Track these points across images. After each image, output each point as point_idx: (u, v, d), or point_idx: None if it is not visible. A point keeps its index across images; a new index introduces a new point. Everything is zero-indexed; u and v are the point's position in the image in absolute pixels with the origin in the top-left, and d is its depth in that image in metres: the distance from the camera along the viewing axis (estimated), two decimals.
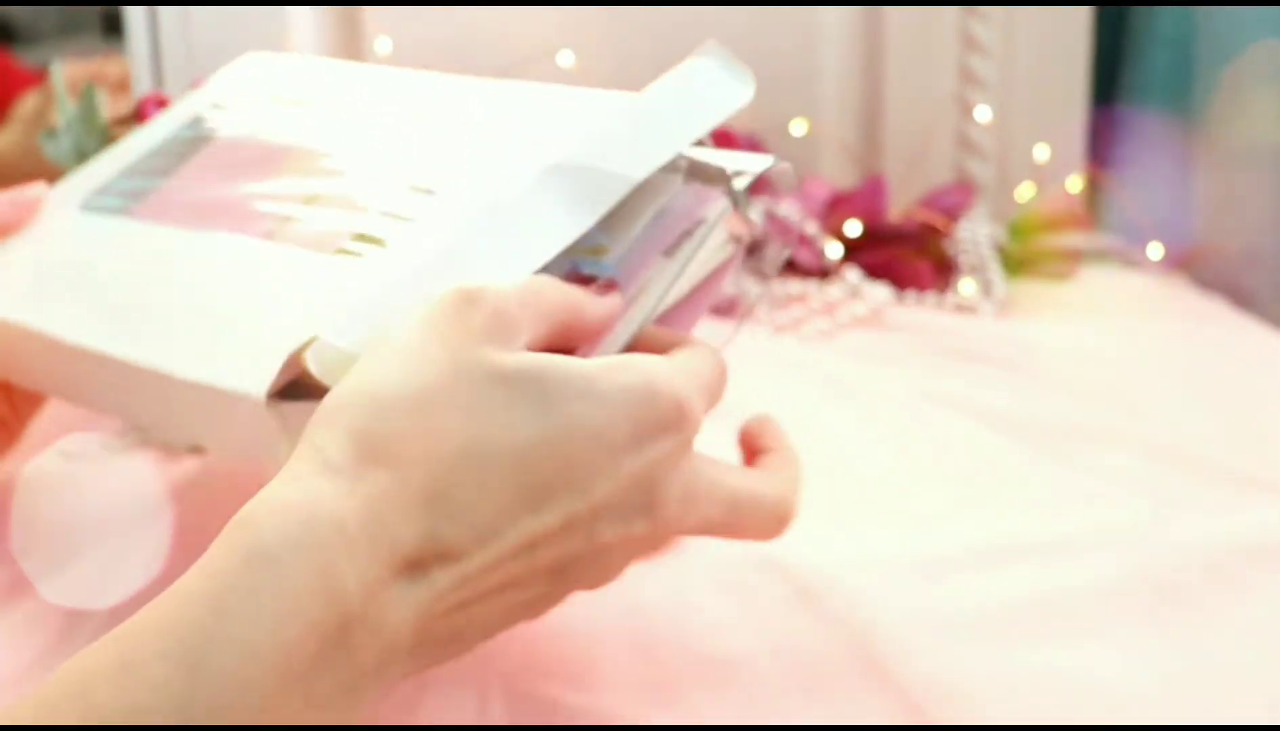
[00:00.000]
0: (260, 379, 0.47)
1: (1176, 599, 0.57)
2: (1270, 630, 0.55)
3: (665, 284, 0.50)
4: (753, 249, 0.62)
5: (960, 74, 1.05)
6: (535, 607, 0.44)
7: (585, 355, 0.48)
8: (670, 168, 0.52)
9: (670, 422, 0.44)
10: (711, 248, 0.55)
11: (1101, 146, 1.07)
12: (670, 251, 0.51)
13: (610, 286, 0.49)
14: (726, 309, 0.93)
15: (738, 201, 0.53)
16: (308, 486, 0.39)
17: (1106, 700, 0.51)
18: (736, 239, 0.56)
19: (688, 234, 0.51)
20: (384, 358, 0.42)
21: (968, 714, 0.50)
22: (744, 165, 0.53)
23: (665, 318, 0.54)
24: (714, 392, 0.48)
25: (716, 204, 0.52)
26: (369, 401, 0.41)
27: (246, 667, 0.35)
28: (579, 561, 0.43)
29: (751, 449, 0.53)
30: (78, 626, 0.58)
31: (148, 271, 0.57)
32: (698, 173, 0.53)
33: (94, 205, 0.63)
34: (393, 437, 0.40)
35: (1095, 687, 0.51)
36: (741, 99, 0.53)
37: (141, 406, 0.56)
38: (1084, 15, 1.04)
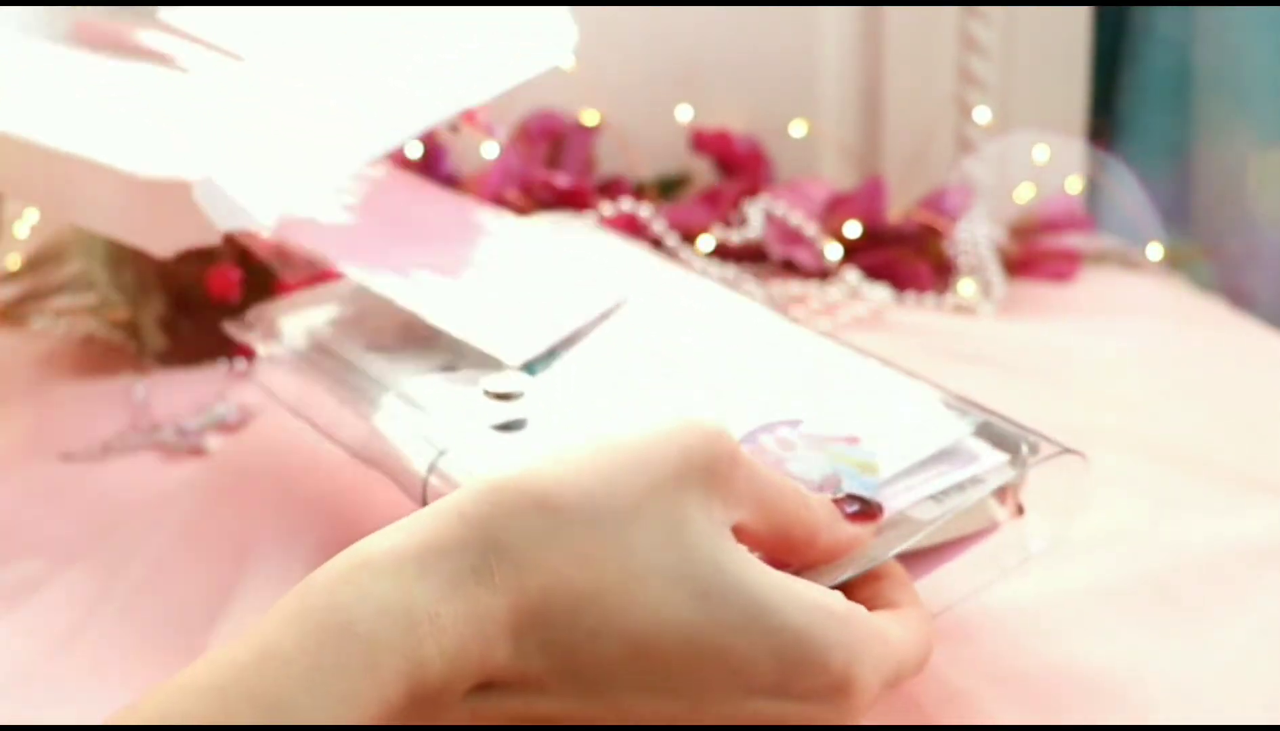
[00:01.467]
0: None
1: (1177, 599, 0.57)
2: (1271, 631, 0.55)
3: (922, 531, 0.48)
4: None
5: (960, 75, 1.05)
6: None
7: (802, 569, 0.44)
8: (960, 415, 0.53)
9: (827, 695, 0.39)
10: (974, 509, 0.52)
11: (1101, 147, 1.07)
12: (939, 497, 0.49)
13: (869, 516, 0.46)
14: None
15: (1018, 477, 0.52)
16: (423, 572, 0.37)
17: (1108, 700, 0.51)
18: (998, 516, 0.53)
19: (960, 487, 0.50)
20: (579, 456, 0.39)
21: (969, 714, 0.50)
22: (1036, 440, 0.52)
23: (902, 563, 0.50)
24: (901, 673, 0.42)
25: (1000, 471, 0.51)
26: (529, 495, 0.38)
27: None
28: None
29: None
30: (79, 627, 0.58)
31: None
32: (990, 432, 0.53)
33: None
34: (529, 552, 0.37)
35: (1096, 687, 0.51)
36: (557, 61, 0.65)
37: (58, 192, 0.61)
38: (1083, 16, 1.04)
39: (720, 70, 1.05)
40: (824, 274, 0.97)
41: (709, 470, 0.39)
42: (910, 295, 0.95)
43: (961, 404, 0.55)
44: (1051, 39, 1.04)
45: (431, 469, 0.51)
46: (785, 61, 1.06)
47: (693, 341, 0.59)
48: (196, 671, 0.36)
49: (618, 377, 0.56)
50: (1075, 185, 1.03)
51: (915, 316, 0.92)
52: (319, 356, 0.61)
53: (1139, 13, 1.11)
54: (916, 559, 0.50)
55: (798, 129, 1.04)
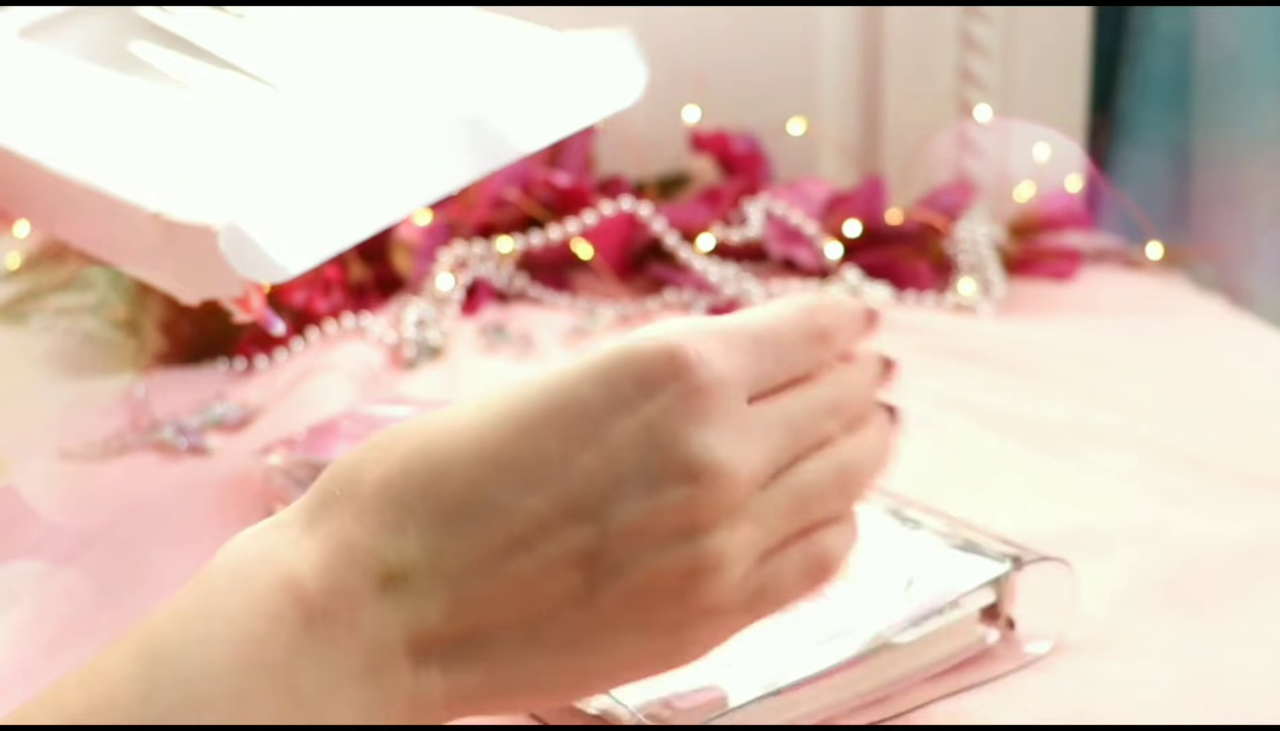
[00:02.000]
0: (156, 200, 0.50)
1: (1177, 598, 0.57)
2: (1272, 630, 0.55)
3: (901, 658, 0.50)
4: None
5: (960, 74, 1.05)
6: (624, 619, 0.38)
7: None
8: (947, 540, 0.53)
9: (659, 374, 0.38)
10: (961, 631, 0.52)
11: (1101, 146, 1.08)
12: (918, 622, 0.50)
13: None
14: (726, 310, 0.93)
15: (1000, 593, 0.52)
16: (272, 525, 0.39)
17: (1108, 700, 0.51)
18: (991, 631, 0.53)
19: (939, 610, 0.50)
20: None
21: (973, 714, 0.50)
22: (1020, 553, 0.52)
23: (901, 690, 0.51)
24: (761, 344, 0.40)
25: (980, 592, 0.51)
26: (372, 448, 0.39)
27: (208, 656, 0.35)
28: (608, 549, 0.38)
29: None
30: (79, 625, 0.58)
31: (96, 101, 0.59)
32: (972, 550, 0.53)
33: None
34: (357, 466, 0.39)
35: (1098, 687, 0.51)
36: (633, 96, 0.55)
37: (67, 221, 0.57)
38: (1083, 15, 1.04)
39: (720, 70, 1.05)
40: (824, 273, 0.97)
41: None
42: (910, 294, 0.95)
43: (949, 524, 0.55)
44: (1051, 38, 1.04)
45: None
46: (785, 61, 1.06)
47: None
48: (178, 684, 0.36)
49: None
50: (1075, 184, 1.03)
51: (915, 315, 0.92)
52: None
53: (1139, 11, 1.11)
54: (908, 688, 0.50)
55: (797, 127, 1.04)
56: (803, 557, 0.41)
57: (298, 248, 0.49)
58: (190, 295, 0.51)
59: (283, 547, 0.38)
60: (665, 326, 0.39)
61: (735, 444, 0.38)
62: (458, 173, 0.50)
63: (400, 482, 0.38)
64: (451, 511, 0.38)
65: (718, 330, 0.39)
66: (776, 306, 0.42)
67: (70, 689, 0.36)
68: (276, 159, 0.51)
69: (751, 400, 0.40)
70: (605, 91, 0.54)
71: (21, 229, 0.94)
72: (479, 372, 0.83)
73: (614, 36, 0.55)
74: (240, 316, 0.54)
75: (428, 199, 0.49)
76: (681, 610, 0.38)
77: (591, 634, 0.38)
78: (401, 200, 0.50)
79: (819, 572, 0.41)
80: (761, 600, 0.40)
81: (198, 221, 0.48)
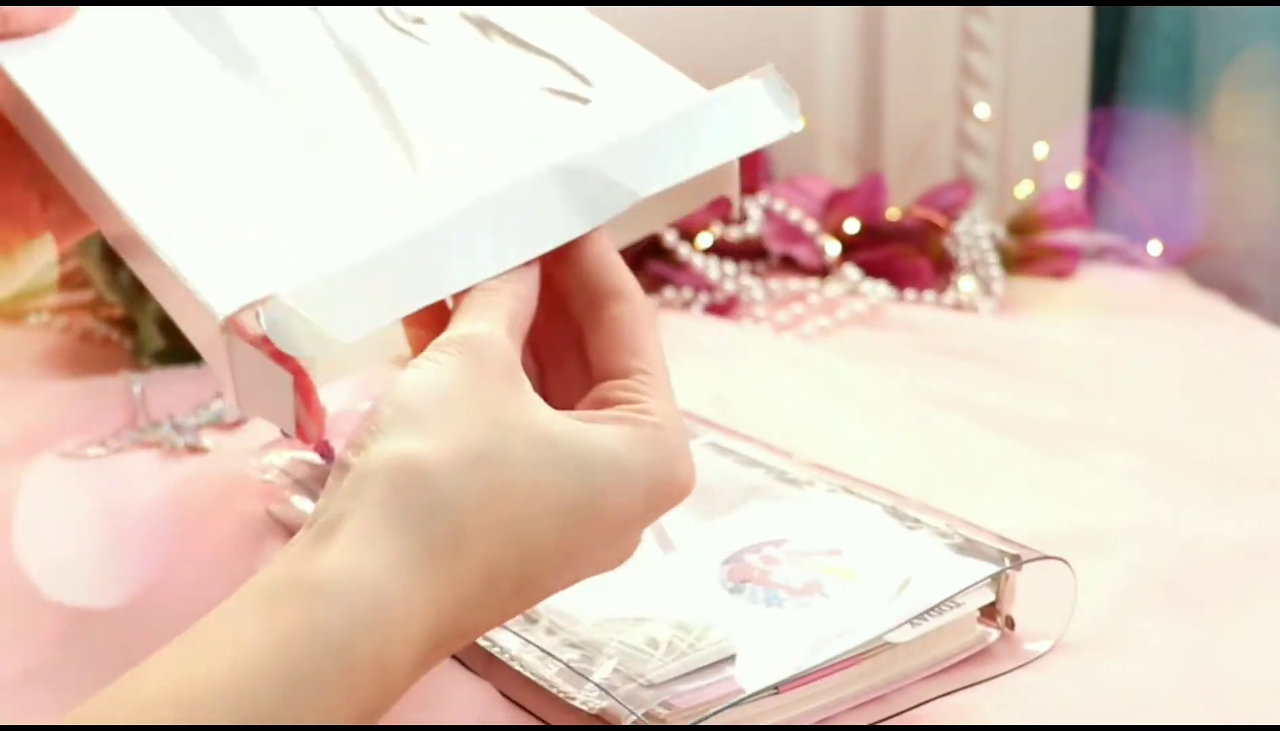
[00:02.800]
0: (227, 300, 0.44)
1: (1177, 598, 0.57)
2: (1272, 630, 0.55)
3: (899, 657, 0.50)
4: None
5: (960, 71, 1.05)
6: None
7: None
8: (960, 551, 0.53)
9: (678, 496, 0.44)
10: (960, 630, 0.52)
11: (1101, 144, 1.07)
12: (915, 621, 0.50)
13: None
14: (725, 308, 0.93)
15: (1000, 594, 0.52)
16: (378, 566, 0.39)
17: (1108, 699, 0.51)
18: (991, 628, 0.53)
19: (937, 609, 0.51)
20: (427, 424, 0.41)
21: (974, 714, 0.50)
22: (1017, 553, 0.52)
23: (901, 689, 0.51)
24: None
25: (978, 590, 0.52)
26: (425, 479, 0.40)
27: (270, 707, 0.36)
28: (551, 588, 0.45)
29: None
30: (78, 625, 0.57)
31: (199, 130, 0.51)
32: (972, 550, 0.53)
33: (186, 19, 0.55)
34: (458, 520, 0.40)
35: (1098, 686, 0.51)
36: (785, 129, 0.51)
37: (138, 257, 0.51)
38: (1084, 13, 1.04)
39: (720, 68, 1.05)
40: (824, 271, 0.96)
41: (503, 371, 0.43)
42: (910, 292, 0.95)
43: (955, 525, 0.55)
44: (1052, 36, 1.04)
45: None
46: (785, 59, 1.06)
47: None
48: (172, 683, 0.37)
49: None
50: (1075, 182, 1.03)
51: (915, 313, 0.92)
52: None
53: (1139, 10, 1.11)
54: (907, 686, 0.51)
55: (797, 125, 1.04)
56: None
57: (351, 318, 0.44)
58: (245, 409, 0.47)
59: (393, 606, 0.38)
60: (684, 444, 0.45)
61: None
62: (569, 227, 0.45)
63: (499, 555, 0.41)
64: (519, 593, 0.42)
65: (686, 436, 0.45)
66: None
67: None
68: (363, 243, 0.45)
69: None
70: (745, 127, 0.51)
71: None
72: None
73: (755, 80, 0.52)
74: (296, 444, 0.52)
75: (533, 253, 0.45)
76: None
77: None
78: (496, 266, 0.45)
79: None
80: None
81: (260, 340, 0.44)
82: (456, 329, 0.43)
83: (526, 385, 0.43)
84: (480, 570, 0.40)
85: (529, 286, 0.45)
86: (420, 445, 0.40)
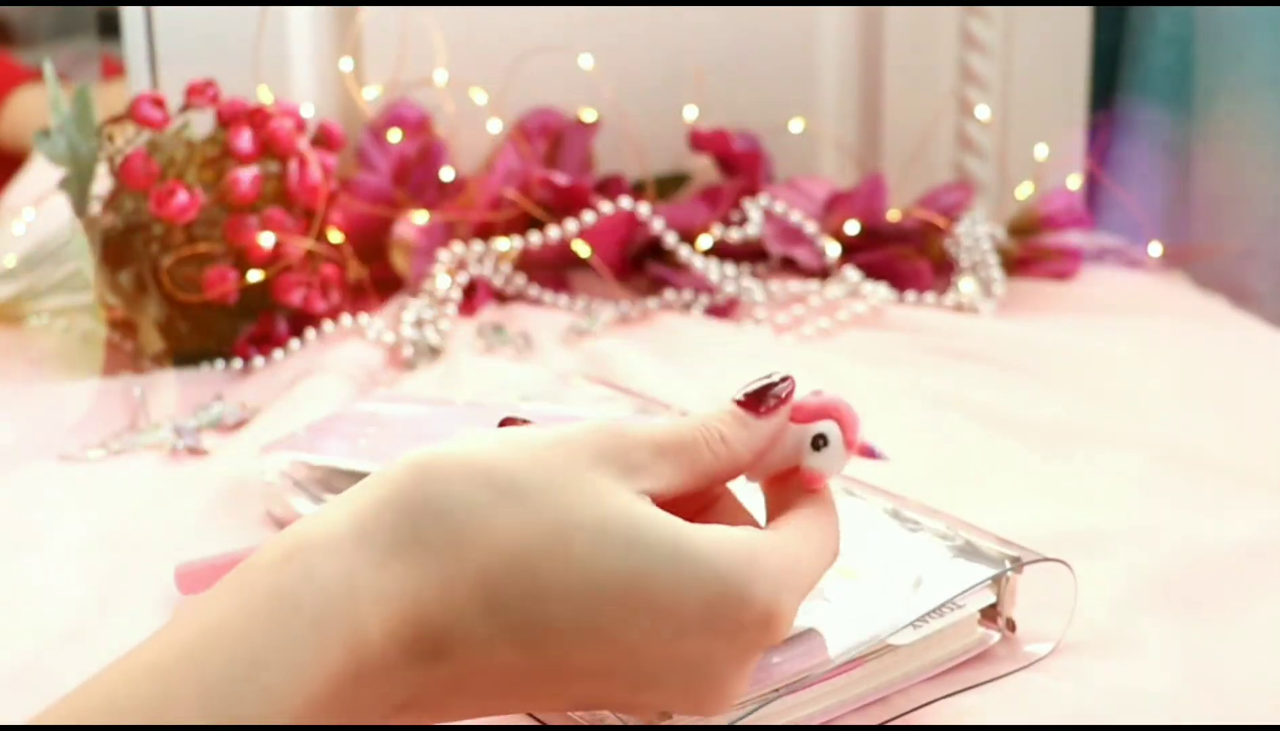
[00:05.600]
0: None
1: (1177, 599, 0.57)
2: (1272, 630, 0.55)
3: (901, 659, 0.50)
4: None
5: (960, 72, 1.05)
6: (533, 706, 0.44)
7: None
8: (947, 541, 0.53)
9: (752, 629, 0.41)
10: (961, 632, 0.52)
11: (1101, 145, 1.07)
12: (917, 624, 0.50)
13: (767, 395, 0.46)
14: (725, 310, 0.93)
15: (1000, 594, 0.52)
16: (355, 536, 0.39)
17: (1109, 700, 0.50)
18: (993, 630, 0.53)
19: (939, 611, 0.50)
20: (501, 437, 0.42)
21: (975, 715, 0.50)
22: (1018, 555, 0.52)
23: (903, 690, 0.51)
24: (813, 587, 0.45)
25: (979, 593, 0.51)
26: (441, 476, 0.40)
27: (272, 715, 0.37)
28: (610, 703, 0.43)
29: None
30: (78, 625, 0.57)
31: None
32: (972, 551, 0.52)
33: None
34: (457, 524, 0.40)
35: (1099, 687, 0.51)
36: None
37: None
38: (1084, 14, 1.04)
39: (720, 68, 1.05)
40: (824, 272, 0.96)
41: (614, 452, 0.42)
42: (910, 293, 0.95)
43: (954, 526, 0.55)
44: (1052, 37, 1.04)
45: None
46: (785, 59, 1.06)
47: None
48: (141, 653, 0.38)
49: None
50: (1075, 183, 1.03)
51: (915, 314, 0.92)
52: None
53: (1139, 10, 1.11)
54: (909, 688, 0.50)
55: (797, 127, 1.04)
56: None
57: None
58: None
59: (362, 584, 0.39)
60: (781, 565, 0.42)
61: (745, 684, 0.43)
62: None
63: (497, 579, 0.39)
64: (522, 632, 0.39)
65: (801, 586, 0.43)
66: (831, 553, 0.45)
67: (124, 693, 0.36)
68: None
69: None
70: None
71: (18, 228, 0.94)
72: (477, 372, 0.83)
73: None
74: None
75: None
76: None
77: (520, 705, 0.43)
78: None
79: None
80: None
81: None
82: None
83: (626, 485, 0.42)
84: (474, 582, 0.39)
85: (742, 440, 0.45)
86: (454, 455, 0.41)
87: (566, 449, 0.42)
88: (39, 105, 1.51)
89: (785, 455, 0.47)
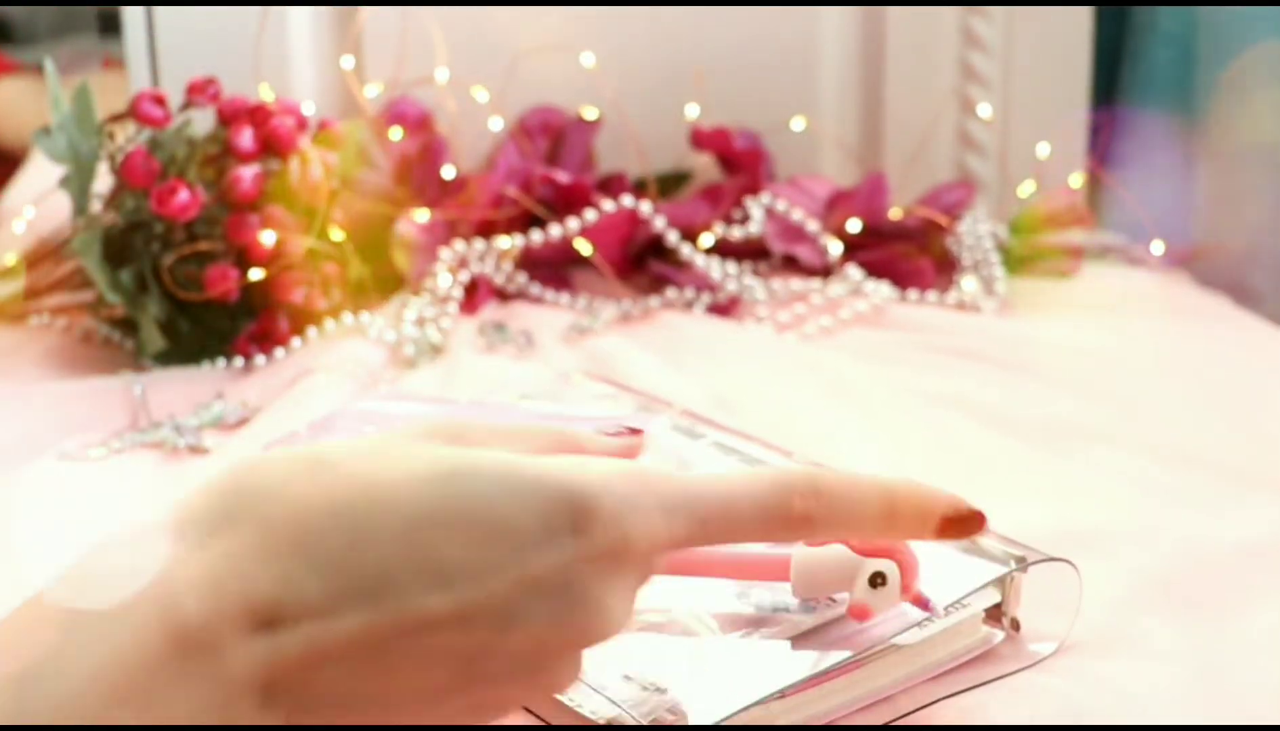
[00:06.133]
0: None
1: (1178, 599, 0.57)
2: (1273, 630, 0.55)
3: (906, 659, 0.50)
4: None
5: (962, 71, 1.05)
6: (458, 702, 0.40)
7: None
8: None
9: (602, 541, 0.39)
10: (965, 632, 0.52)
11: (1103, 143, 1.07)
12: (922, 623, 0.50)
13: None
14: (727, 308, 0.93)
15: (1005, 593, 0.52)
16: (177, 534, 0.39)
17: (1112, 700, 0.50)
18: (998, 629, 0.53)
19: (944, 610, 0.50)
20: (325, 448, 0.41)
21: (976, 714, 0.50)
22: (1023, 555, 0.52)
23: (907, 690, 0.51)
24: (707, 525, 0.42)
25: (983, 592, 0.51)
26: (250, 467, 0.40)
27: (79, 685, 0.36)
28: (491, 658, 0.39)
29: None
30: None
31: None
32: (977, 551, 0.52)
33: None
34: (274, 489, 0.39)
35: (1102, 687, 0.51)
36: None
37: None
38: (1085, 13, 1.04)
39: (721, 67, 1.05)
40: (826, 271, 0.96)
41: (444, 428, 0.43)
42: (912, 292, 0.94)
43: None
44: (1053, 35, 1.04)
45: None
46: (786, 58, 1.06)
47: None
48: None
49: None
50: (1077, 182, 1.03)
51: (917, 313, 0.92)
52: None
53: (1140, 10, 1.11)
54: (913, 687, 0.50)
55: (798, 125, 1.04)
56: None
57: None
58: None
59: (176, 568, 0.38)
60: (617, 472, 0.40)
61: (629, 610, 0.41)
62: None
63: (317, 534, 0.38)
64: (355, 581, 0.38)
65: (665, 501, 0.41)
66: (750, 481, 0.43)
67: None
68: None
69: None
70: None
71: (19, 226, 0.94)
72: (479, 371, 0.83)
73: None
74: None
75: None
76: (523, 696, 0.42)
77: (432, 715, 0.40)
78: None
79: None
80: None
81: None
82: None
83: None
84: (293, 543, 0.38)
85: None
86: (277, 452, 0.41)
87: (390, 435, 0.42)
88: (23, 98, 1.50)
89: (837, 579, 0.47)
